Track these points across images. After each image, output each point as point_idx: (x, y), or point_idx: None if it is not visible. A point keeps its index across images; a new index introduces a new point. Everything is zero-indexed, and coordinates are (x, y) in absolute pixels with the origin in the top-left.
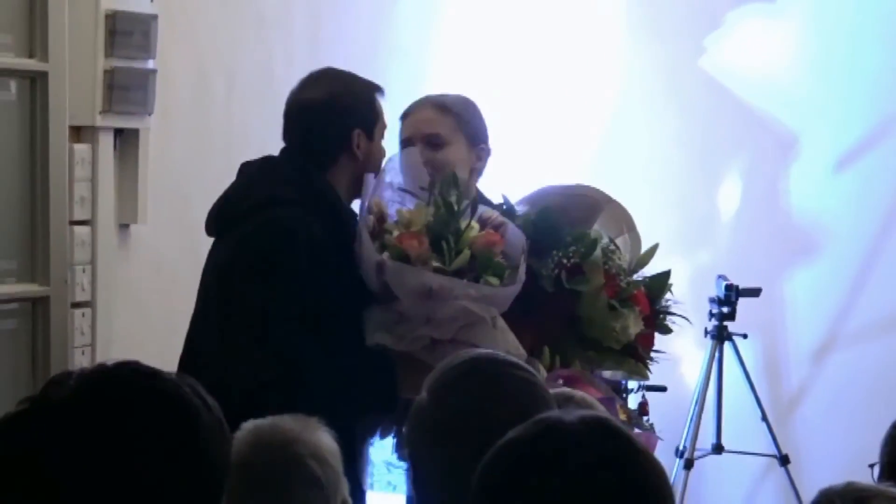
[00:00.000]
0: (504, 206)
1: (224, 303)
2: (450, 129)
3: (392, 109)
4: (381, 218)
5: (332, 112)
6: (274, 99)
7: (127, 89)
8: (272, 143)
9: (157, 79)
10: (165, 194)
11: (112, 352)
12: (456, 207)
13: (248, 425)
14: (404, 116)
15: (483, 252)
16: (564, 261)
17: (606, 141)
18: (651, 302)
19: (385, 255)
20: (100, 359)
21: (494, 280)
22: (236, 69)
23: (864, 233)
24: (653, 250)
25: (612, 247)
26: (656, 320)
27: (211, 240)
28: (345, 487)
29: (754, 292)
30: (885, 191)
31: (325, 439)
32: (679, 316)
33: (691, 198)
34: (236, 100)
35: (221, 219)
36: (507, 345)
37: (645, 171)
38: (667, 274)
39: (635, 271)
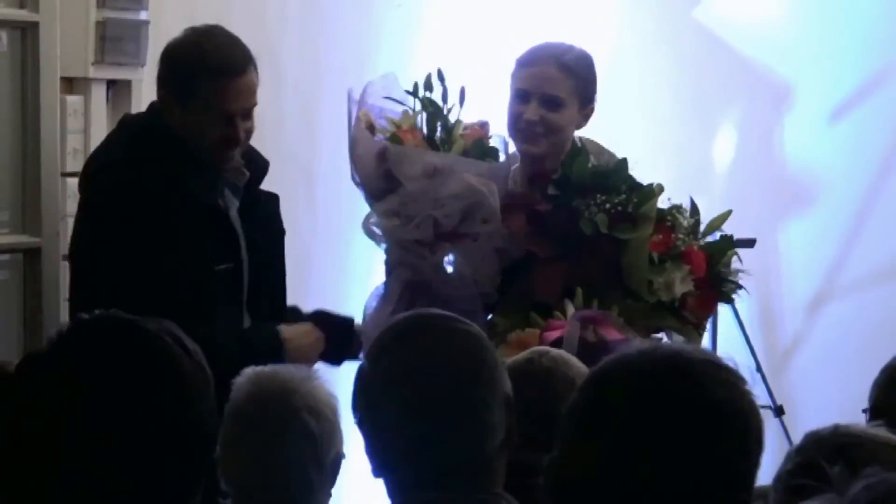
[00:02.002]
0: (580, 141)
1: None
2: (569, 91)
3: (391, 62)
4: (371, 127)
5: (161, 67)
6: (266, 51)
7: (119, 40)
8: (262, 96)
9: (149, 30)
10: None
11: None
12: (441, 104)
13: (249, 372)
14: (523, 64)
15: (475, 143)
16: (608, 206)
17: (601, 91)
18: (710, 266)
19: (385, 140)
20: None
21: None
22: (228, 21)
23: (859, 183)
24: (725, 216)
25: (681, 208)
26: (717, 286)
27: None
28: (340, 439)
29: (749, 243)
30: (880, 140)
31: (322, 391)
32: (736, 284)
33: (685, 149)
34: None
35: (79, 182)
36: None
37: (639, 121)
38: (729, 239)
39: (705, 235)
